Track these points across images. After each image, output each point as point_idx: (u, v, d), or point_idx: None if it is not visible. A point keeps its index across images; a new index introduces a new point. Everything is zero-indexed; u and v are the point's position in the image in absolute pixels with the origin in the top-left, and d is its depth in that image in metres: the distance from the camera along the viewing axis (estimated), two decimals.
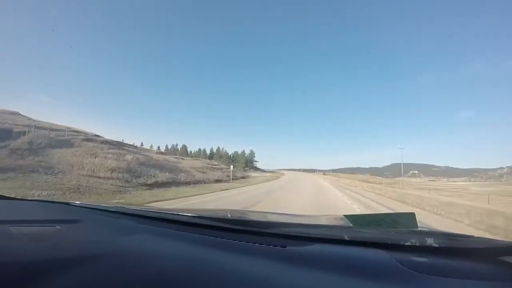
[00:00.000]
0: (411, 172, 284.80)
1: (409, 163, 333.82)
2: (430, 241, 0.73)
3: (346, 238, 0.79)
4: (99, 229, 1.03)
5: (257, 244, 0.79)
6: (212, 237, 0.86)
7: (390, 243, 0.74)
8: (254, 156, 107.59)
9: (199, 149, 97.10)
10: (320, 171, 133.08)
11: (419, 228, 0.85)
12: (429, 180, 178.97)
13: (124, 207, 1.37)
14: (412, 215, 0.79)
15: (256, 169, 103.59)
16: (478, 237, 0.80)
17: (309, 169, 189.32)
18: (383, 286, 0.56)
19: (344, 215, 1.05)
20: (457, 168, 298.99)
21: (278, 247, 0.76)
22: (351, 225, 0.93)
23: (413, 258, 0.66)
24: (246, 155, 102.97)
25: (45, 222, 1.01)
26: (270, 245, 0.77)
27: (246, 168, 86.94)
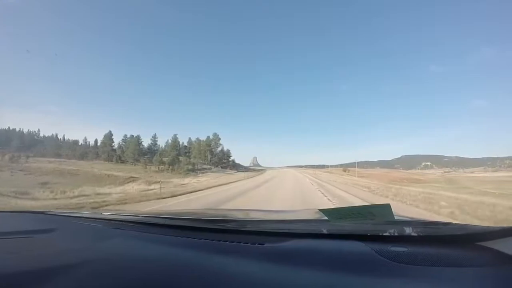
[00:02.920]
0: (423, 163, 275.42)
1: (419, 155, 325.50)
2: (408, 230, 0.73)
3: (324, 231, 0.79)
4: (75, 237, 1.00)
5: (235, 242, 0.78)
6: (190, 238, 0.86)
7: (368, 234, 0.73)
8: (220, 145, 62.77)
9: (127, 135, 59.09)
10: (330, 166, 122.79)
11: (396, 219, 0.84)
12: (444, 172, 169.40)
13: (100, 213, 1.34)
14: (388, 206, 0.77)
15: (235, 165, 66.87)
16: (456, 224, 0.80)
17: (316, 165, 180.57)
18: (363, 277, 0.56)
19: (319, 209, 1.00)
20: (468, 158, 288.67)
21: (256, 245, 0.75)
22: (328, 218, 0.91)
23: (392, 248, 0.65)
24: (209, 141, 60.30)
25: (19, 234, 0.98)
26: (248, 243, 0.77)
27: (206, 166, 53.03)
